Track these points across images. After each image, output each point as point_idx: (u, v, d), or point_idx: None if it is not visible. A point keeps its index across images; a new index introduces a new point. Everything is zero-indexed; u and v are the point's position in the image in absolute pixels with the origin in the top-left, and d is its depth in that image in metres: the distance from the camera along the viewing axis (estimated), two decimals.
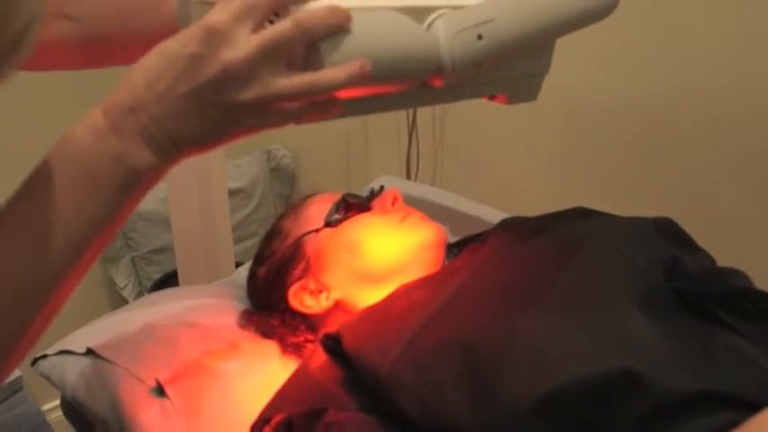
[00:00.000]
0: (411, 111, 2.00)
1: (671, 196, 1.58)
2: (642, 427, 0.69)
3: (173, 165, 0.63)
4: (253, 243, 2.28)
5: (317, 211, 1.07)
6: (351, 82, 0.62)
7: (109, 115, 0.60)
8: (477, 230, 1.15)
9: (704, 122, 1.49)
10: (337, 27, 0.63)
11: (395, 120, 2.06)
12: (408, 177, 2.06)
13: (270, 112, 0.62)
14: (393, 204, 1.07)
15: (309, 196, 1.13)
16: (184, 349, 1.03)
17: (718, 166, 1.50)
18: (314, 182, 2.50)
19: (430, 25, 0.73)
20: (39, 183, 0.59)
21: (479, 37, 0.73)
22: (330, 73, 0.62)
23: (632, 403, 0.69)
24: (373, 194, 1.11)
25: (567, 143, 1.76)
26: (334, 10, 0.62)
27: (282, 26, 0.60)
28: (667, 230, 0.94)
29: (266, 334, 1.06)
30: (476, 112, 1.90)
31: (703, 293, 0.81)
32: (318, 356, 0.87)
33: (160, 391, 0.98)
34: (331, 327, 0.93)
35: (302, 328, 1.04)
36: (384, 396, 0.77)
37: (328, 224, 1.05)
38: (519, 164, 1.88)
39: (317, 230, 1.04)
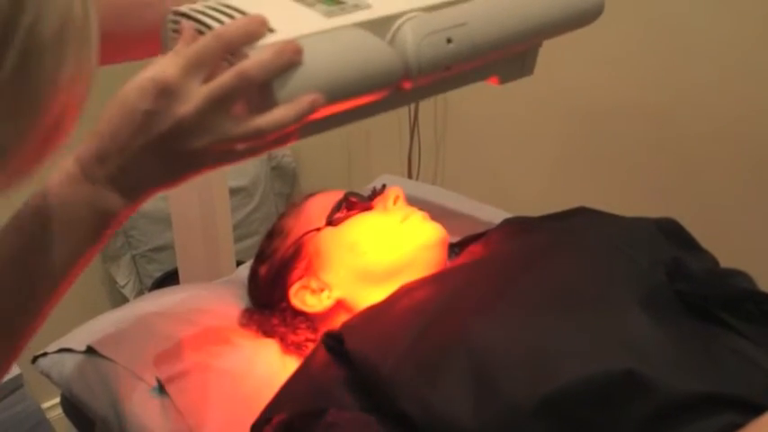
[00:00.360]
0: (413, 109, 2.00)
1: (674, 197, 1.58)
2: (644, 429, 0.69)
3: (141, 203, 0.69)
4: (254, 242, 2.27)
5: (319, 209, 1.07)
6: (300, 118, 0.66)
7: (81, 164, 0.66)
8: (479, 230, 1.15)
9: (708, 124, 1.49)
10: (285, 66, 0.65)
11: (396, 118, 2.05)
12: (410, 176, 2.06)
13: (226, 154, 0.67)
14: (395, 203, 1.06)
15: (311, 195, 1.13)
16: (185, 348, 1.02)
17: (722, 167, 1.50)
18: (315, 180, 2.49)
19: (398, 29, 0.74)
20: (22, 224, 0.65)
21: (449, 40, 0.75)
22: (278, 113, 0.65)
23: (634, 404, 0.69)
24: (375, 193, 1.10)
25: (570, 143, 1.76)
26: (280, 51, 0.65)
27: (227, 77, 0.64)
28: (670, 231, 0.94)
29: (267, 333, 1.06)
30: (478, 111, 1.89)
31: (706, 295, 0.81)
32: (319, 356, 0.86)
33: (161, 389, 0.98)
34: (332, 326, 0.93)
35: (303, 327, 1.03)
36: (385, 396, 0.77)
37: (330, 223, 1.04)
38: (521, 163, 1.88)
39: (318, 229, 1.04)
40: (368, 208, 1.06)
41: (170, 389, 0.96)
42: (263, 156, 2.45)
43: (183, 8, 0.73)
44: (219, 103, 0.64)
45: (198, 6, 0.73)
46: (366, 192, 1.13)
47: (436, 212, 1.10)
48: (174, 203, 1.58)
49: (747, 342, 0.77)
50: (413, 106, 1.98)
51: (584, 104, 1.68)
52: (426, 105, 1.99)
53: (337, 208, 1.06)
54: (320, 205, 1.08)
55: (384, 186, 1.12)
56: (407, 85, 0.76)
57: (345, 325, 0.88)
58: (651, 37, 1.53)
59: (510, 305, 0.82)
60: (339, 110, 0.73)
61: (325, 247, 1.03)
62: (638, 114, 1.59)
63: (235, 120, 0.65)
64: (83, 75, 0.44)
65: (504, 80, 0.90)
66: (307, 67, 0.67)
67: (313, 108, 0.66)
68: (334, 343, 0.85)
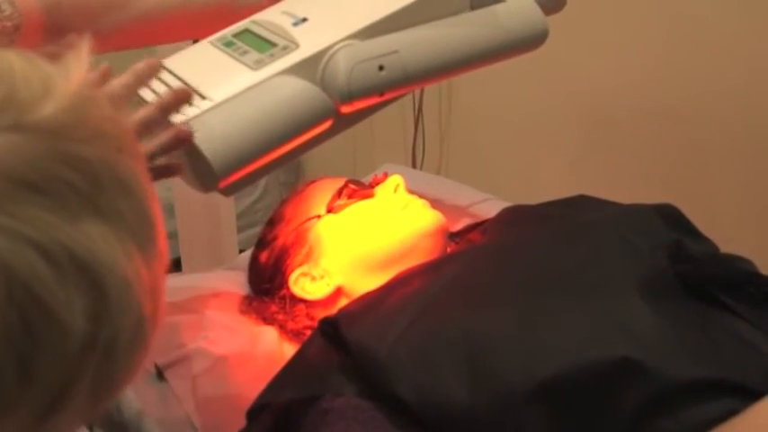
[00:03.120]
0: (417, 100, 2.00)
1: (683, 194, 1.56)
2: (642, 414, 0.69)
3: None
4: (257, 231, 2.25)
5: (320, 196, 1.07)
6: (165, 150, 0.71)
7: None
8: (481, 220, 1.14)
9: (720, 122, 1.48)
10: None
11: (400, 108, 2.05)
12: (414, 166, 2.06)
13: None
14: (395, 191, 1.06)
15: (312, 182, 1.13)
16: (184, 334, 1.02)
17: (736, 169, 1.49)
18: (319, 171, 2.49)
19: (329, 59, 0.77)
20: None
21: (380, 68, 0.78)
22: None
23: (631, 389, 0.68)
24: (376, 181, 1.10)
25: (575, 134, 1.75)
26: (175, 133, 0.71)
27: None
28: (670, 216, 0.93)
29: (266, 320, 1.06)
30: (482, 102, 1.89)
31: (707, 277, 0.80)
32: (316, 342, 0.86)
33: (159, 375, 0.98)
34: (331, 313, 0.92)
35: (302, 314, 1.03)
36: (381, 382, 0.77)
37: (330, 210, 1.04)
38: (525, 153, 1.87)
39: (319, 216, 1.04)
40: (368, 195, 1.06)
41: (168, 375, 0.96)
42: None
43: None
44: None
45: None
46: (367, 180, 1.13)
47: (437, 202, 1.10)
48: (178, 193, 1.58)
49: (748, 325, 0.77)
50: (417, 96, 1.98)
51: (590, 97, 1.68)
52: (430, 96, 1.98)
53: (338, 195, 1.06)
54: (321, 192, 1.08)
55: (385, 175, 1.12)
56: (345, 111, 0.79)
57: (342, 311, 0.87)
58: (660, 33, 1.52)
59: (507, 291, 0.81)
60: (281, 153, 0.77)
61: (326, 235, 1.03)
62: (646, 110, 1.59)
63: None
64: (147, 350, 0.44)
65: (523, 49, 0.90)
66: (235, 129, 0.73)
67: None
68: (331, 329, 0.85)
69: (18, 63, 0.40)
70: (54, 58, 0.42)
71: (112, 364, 0.41)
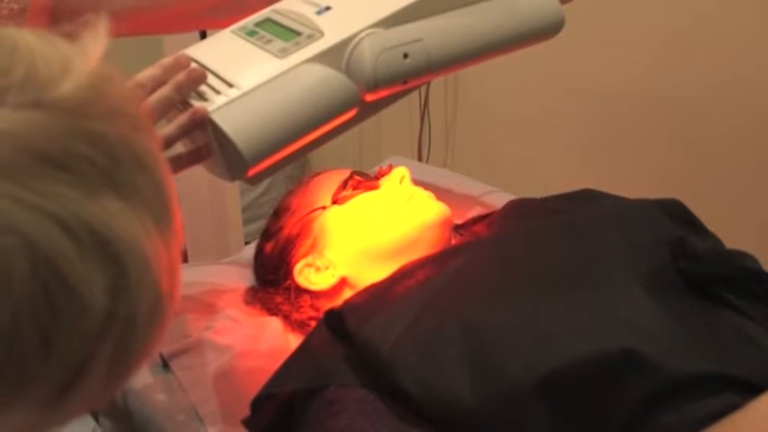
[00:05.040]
0: (423, 93, 1.99)
1: (689, 189, 1.56)
2: (645, 408, 0.69)
3: None
4: (263, 224, 2.26)
5: (325, 188, 1.07)
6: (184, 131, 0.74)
7: None
8: (486, 213, 1.14)
9: (727, 116, 1.48)
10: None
11: (407, 102, 2.05)
12: (420, 159, 2.06)
13: None
14: (401, 183, 1.06)
15: (317, 173, 1.13)
16: (189, 325, 1.03)
17: (743, 161, 1.48)
18: (325, 163, 2.47)
19: (354, 48, 0.78)
20: None
21: (405, 56, 0.79)
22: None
23: (633, 383, 0.68)
24: (381, 173, 1.10)
25: (579, 127, 1.75)
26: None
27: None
28: (674, 212, 0.93)
29: (271, 311, 1.06)
30: (488, 95, 1.88)
31: (710, 274, 0.80)
32: (321, 333, 0.86)
33: (164, 366, 0.98)
34: (336, 304, 0.93)
35: (307, 305, 1.03)
36: (385, 375, 0.77)
37: (336, 201, 1.04)
38: (531, 147, 1.87)
39: (324, 207, 1.04)
40: (373, 187, 1.06)
41: (173, 365, 0.97)
42: None
43: None
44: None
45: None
46: (372, 172, 1.13)
47: (442, 194, 1.10)
48: (184, 184, 1.58)
49: (750, 321, 0.77)
50: (423, 89, 1.98)
51: (595, 91, 1.67)
52: (436, 89, 1.98)
53: (343, 187, 1.06)
54: (326, 184, 1.08)
55: (390, 167, 1.12)
56: (369, 99, 0.80)
57: (346, 303, 0.88)
58: (666, 27, 1.52)
59: (510, 285, 0.82)
60: (308, 141, 0.78)
61: (331, 226, 1.03)
62: (652, 104, 1.58)
63: None
64: (165, 328, 0.45)
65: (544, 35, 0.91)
66: (264, 117, 0.73)
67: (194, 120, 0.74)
68: (336, 321, 0.85)
69: (36, 43, 0.40)
70: (71, 37, 0.43)
71: (130, 341, 0.41)
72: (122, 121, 0.41)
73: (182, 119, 0.74)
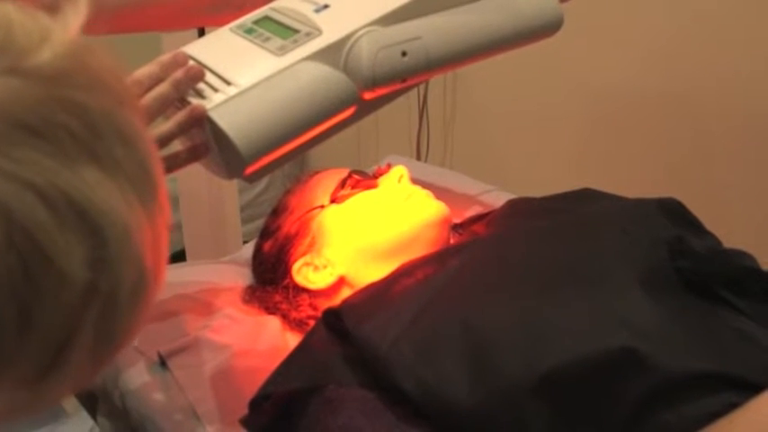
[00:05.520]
0: (421, 91, 1.99)
1: (690, 187, 1.56)
2: (643, 407, 0.69)
3: None
4: (261, 223, 2.27)
5: (323, 187, 1.07)
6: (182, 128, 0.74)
7: None
8: (485, 212, 1.14)
9: (726, 115, 1.48)
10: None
11: (405, 101, 2.05)
12: (419, 158, 2.06)
13: None
14: (399, 182, 1.06)
15: (316, 172, 1.13)
16: (187, 323, 1.03)
17: (744, 160, 1.48)
18: (324, 162, 2.47)
19: (353, 45, 0.78)
20: None
21: (403, 54, 0.78)
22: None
23: (632, 382, 0.68)
24: (379, 172, 1.10)
25: (578, 126, 1.74)
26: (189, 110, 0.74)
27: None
28: (673, 210, 0.93)
29: (269, 309, 1.06)
30: (487, 93, 1.88)
31: (709, 273, 0.80)
32: (319, 332, 0.86)
33: (162, 364, 0.98)
34: (334, 303, 0.92)
35: (305, 304, 1.03)
36: (383, 374, 0.77)
37: (334, 200, 1.04)
38: (530, 146, 1.87)
39: (322, 206, 1.04)
40: (372, 186, 1.06)
41: (171, 364, 0.97)
42: None
43: None
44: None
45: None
46: (371, 171, 1.13)
47: (441, 193, 1.10)
48: (182, 184, 1.58)
49: (748, 321, 0.77)
50: (422, 88, 1.98)
51: (595, 90, 1.67)
52: (435, 88, 1.98)
53: (341, 185, 1.06)
54: (324, 183, 1.08)
55: (389, 165, 1.12)
56: (366, 97, 0.80)
57: (345, 303, 0.87)
58: (665, 25, 1.52)
59: (508, 284, 0.82)
60: (306, 139, 0.78)
61: (329, 225, 1.03)
62: (651, 103, 1.58)
63: None
64: (149, 304, 0.44)
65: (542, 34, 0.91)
66: (262, 114, 0.73)
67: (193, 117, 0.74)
68: (334, 320, 0.85)
69: (15, 13, 0.39)
70: (51, 9, 0.42)
71: (113, 318, 0.40)
72: (104, 94, 0.40)
73: (180, 116, 0.74)
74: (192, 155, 0.80)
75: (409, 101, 2.03)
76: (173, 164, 0.79)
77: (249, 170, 0.77)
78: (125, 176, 0.40)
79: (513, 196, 1.22)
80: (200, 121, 0.74)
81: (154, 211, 0.42)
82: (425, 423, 0.74)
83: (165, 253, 0.45)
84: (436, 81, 1.96)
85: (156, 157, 0.44)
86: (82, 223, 0.37)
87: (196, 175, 1.48)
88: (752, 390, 0.67)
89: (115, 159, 0.39)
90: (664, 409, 0.69)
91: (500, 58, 0.89)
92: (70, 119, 0.37)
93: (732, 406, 0.66)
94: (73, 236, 0.36)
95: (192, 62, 0.78)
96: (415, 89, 1.97)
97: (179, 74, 0.75)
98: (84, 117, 0.38)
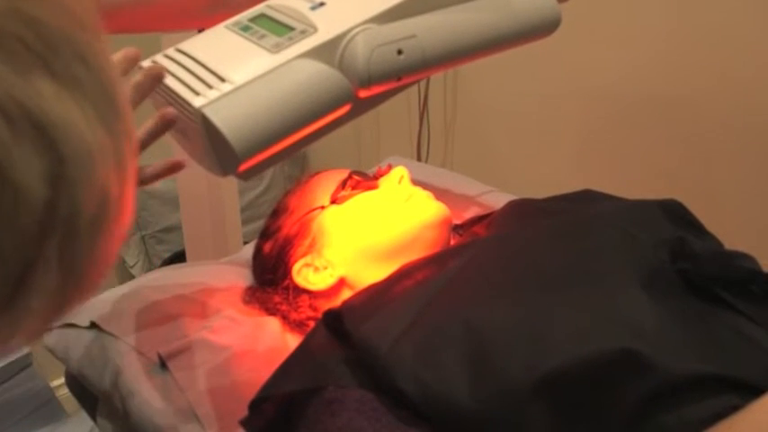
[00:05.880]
0: (422, 92, 1.99)
1: (690, 189, 1.56)
2: (643, 409, 0.68)
3: None
4: (262, 224, 2.27)
5: (324, 187, 1.07)
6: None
7: None
8: (485, 213, 1.14)
9: (727, 116, 1.47)
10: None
11: (406, 101, 2.05)
12: (419, 159, 2.06)
13: None
14: (399, 183, 1.06)
15: (316, 173, 1.13)
16: (187, 324, 1.03)
17: (744, 162, 1.48)
18: (324, 163, 2.48)
19: (348, 43, 0.78)
20: None
21: (399, 52, 0.78)
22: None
23: (632, 384, 0.68)
24: (380, 173, 1.10)
25: (579, 127, 1.74)
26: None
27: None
28: (674, 212, 0.93)
29: (269, 310, 1.06)
30: (488, 94, 1.88)
31: (709, 275, 0.80)
32: (319, 333, 0.86)
33: (162, 365, 0.98)
34: (334, 304, 0.92)
35: (305, 305, 1.03)
36: (383, 375, 0.77)
37: (334, 201, 1.04)
38: (530, 146, 1.87)
39: (322, 207, 1.04)
40: (372, 187, 1.06)
41: (171, 365, 0.97)
42: None
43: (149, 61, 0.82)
44: None
45: (157, 57, 0.82)
46: (371, 172, 1.13)
47: (441, 194, 1.10)
48: (183, 184, 1.58)
49: (750, 323, 0.76)
50: (422, 89, 1.98)
51: (595, 90, 1.67)
52: (435, 88, 1.98)
53: (342, 186, 1.06)
54: (325, 183, 1.08)
55: (389, 166, 1.12)
56: (362, 96, 0.80)
57: (345, 304, 0.87)
58: (666, 26, 1.51)
59: (509, 285, 0.81)
60: (300, 137, 0.77)
61: (329, 225, 1.03)
62: (652, 104, 1.58)
63: None
64: (115, 238, 0.42)
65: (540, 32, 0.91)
66: (256, 111, 0.73)
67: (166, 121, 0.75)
68: (334, 321, 0.85)
69: None
70: None
71: (75, 248, 0.38)
72: (64, 15, 0.38)
73: (150, 122, 0.74)
74: (165, 124, 0.78)
75: (410, 102, 2.03)
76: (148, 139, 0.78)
77: (243, 167, 0.76)
78: (84, 93, 0.38)
79: (513, 197, 1.22)
80: (171, 126, 0.75)
81: (118, 134, 0.40)
82: (426, 424, 0.74)
83: (133, 183, 0.43)
84: (437, 82, 1.96)
85: (122, 87, 0.42)
86: (38, 135, 0.35)
87: (196, 175, 1.48)
88: (753, 392, 0.66)
89: (73, 76, 0.37)
90: (664, 411, 0.68)
91: (501, 59, 0.89)
92: (25, 31, 0.35)
93: (733, 408, 0.66)
94: (29, 148, 0.34)
95: (194, 64, 0.78)
96: (416, 90, 1.97)
97: (141, 77, 0.74)
98: (41, 32, 0.36)
